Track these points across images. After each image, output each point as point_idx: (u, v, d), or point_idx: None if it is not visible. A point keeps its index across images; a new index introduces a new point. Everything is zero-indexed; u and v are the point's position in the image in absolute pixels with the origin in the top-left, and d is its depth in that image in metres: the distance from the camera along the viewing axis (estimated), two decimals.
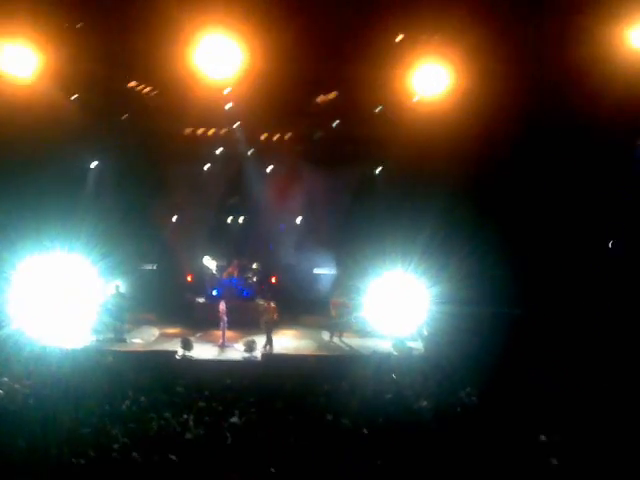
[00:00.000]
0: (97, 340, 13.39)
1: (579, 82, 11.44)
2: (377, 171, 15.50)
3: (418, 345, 13.25)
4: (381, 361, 11.91)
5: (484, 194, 13.25)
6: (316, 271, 15.83)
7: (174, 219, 16.22)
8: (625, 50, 10.71)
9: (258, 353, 12.82)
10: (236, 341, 13.34)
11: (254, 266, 15.53)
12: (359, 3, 11.72)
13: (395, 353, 12.87)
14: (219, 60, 11.71)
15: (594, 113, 11.63)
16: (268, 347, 13.04)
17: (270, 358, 12.73)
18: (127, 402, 9.68)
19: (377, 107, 13.73)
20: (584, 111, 11.88)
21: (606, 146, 12.39)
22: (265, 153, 15.46)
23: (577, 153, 12.48)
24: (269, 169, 15.98)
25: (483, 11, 11.14)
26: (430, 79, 11.93)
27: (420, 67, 11.93)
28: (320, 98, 14.15)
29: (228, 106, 14.08)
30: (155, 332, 14.18)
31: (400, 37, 12.29)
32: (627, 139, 12.65)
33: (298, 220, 16.20)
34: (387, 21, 11.87)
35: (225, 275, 15.27)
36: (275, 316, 13.42)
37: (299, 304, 14.93)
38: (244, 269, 15.49)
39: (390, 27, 12.15)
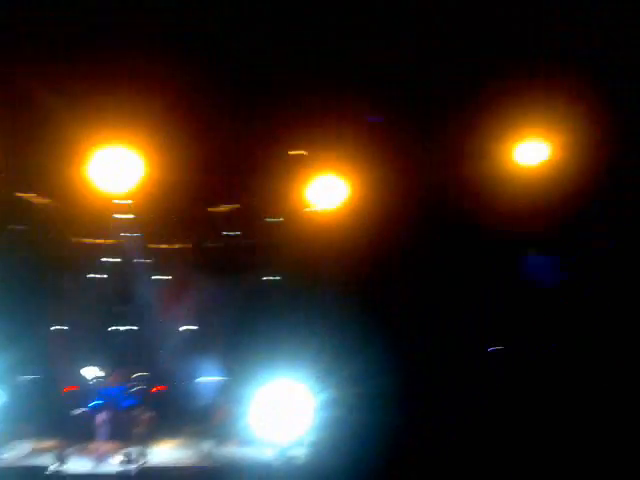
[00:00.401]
0: None
1: (470, 194, 12.13)
2: (271, 279, 15.44)
3: (303, 453, 12.76)
4: (263, 471, 11.77)
5: (377, 302, 13.43)
6: (203, 379, 15.24)
7: (57, 328, 15.53)
8: (511, 165, 11.71)
9: (136, 466, 12.11)
10: (115, 453, 12.50)
11: (138, 374, 14.89)
12: (259, 118, 12.17)
13: (278, 462, 12.43)
14: (114, 172, 11.97)
15: (485, 225, 12.28)
16: (145, 459, 12.33)
17: (147, 471, 12.07)
18: None
19: (275, 217, 13.96)
20: (476, 222, 12.48)
21: (496, 256, 12.91)
22: (158, 262, 15.28)
23: (467, 262, 12.92)
24: (162, 277, 15.70)
25: (380, 129, 11.77)
26: (327, 191, 12.49)
27: (317, 180, 12.50)
28: (218, 208, 14.32)
29: (123, 216, 14.00)
30: (29, 445, 13.14)
31: (298, 152, 12.74)
32: (515, 250, 13.13)
33: (188, 328, 15.78)
34: (286, 135, 12.34)
35: (107, 384, 14.53)
36: (149, 426, 12.94)
37: (184, 413, 14.31)
38: (127, 378, 14.75)
39: (289, 141, 12.62)
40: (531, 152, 11.57)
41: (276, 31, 11.08)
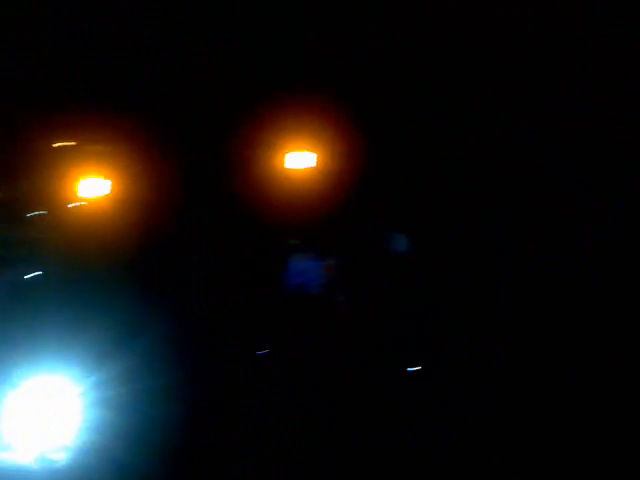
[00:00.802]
0: None
1: (249, 198, 12.34)
2: (33, 274, 14.56)
3: (64, 457, 12.46)
4: (21, 476, 11.40)
5: (146, 294, 13.38)
6: None
7: None
8: (283, 171, 12.36)
9: None
10: None
11: None
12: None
13: (36, 467, 12.10)
14: None
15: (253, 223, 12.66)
16: None
17: None
18: None
19: (38, 210, 13.51)
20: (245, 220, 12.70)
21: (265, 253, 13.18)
22: None
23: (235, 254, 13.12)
24: None
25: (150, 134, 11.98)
26: (93, 186, 12.37)
27: (82, 175, 12.29)
28: None
29: None
30: None
31: (60, 144, 12.44)
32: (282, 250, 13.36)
33: None
34: (53, 128, 12.07)
35: None
36: None
37: None
38: None
39: (56, 134, 12.33)
40: (298, 160, 12.32)
41: None
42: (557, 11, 10.95)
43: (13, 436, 12.30)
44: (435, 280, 12.91)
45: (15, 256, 14.22)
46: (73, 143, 12.54)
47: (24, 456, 12.28)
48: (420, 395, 11.88)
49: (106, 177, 12.47)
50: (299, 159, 12.36)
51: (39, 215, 13.44)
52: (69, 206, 12.82)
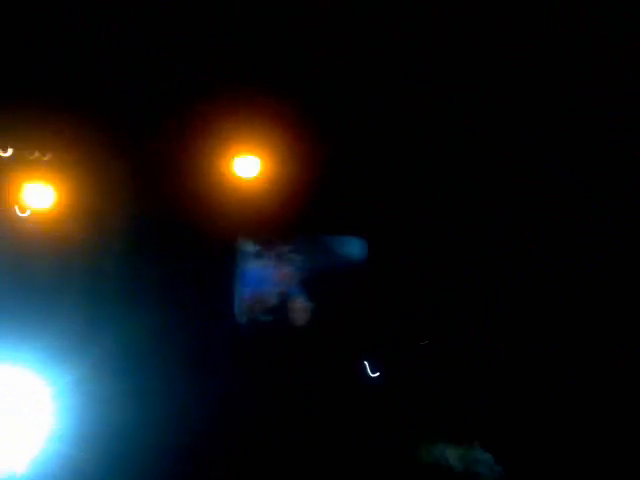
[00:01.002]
0: None
1: (194, 206, 11.96)
2: None
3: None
4: None
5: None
6: None
7: None
8: (231, 177, 11.88)
9: None
10: None
11: None
12: None
13: None
14: None
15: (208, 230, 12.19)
16: None
17: None
18: None
19: None
20: (200, 230, 12.25)
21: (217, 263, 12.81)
22: None
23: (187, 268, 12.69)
24: None
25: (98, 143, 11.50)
26: (38, 195, 12.00)
27: (28, 183, 11.94)
28: None
29: None
30: None
31: (9, 152, 12.15)
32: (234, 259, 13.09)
33: None
34: None
35: None
36: None
37: None
38: None
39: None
40: (246, 166, 11.85)
41: None
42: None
43: None
44: (394, 286, 12.63)
45: None
46: (12, 151, 12.23)
47: None
48: (381, 403, 11.57)
49: (48, 186, 12.17)
50: (248, 163, 11.87)
51: None
52: (16, 215, 12.54)
